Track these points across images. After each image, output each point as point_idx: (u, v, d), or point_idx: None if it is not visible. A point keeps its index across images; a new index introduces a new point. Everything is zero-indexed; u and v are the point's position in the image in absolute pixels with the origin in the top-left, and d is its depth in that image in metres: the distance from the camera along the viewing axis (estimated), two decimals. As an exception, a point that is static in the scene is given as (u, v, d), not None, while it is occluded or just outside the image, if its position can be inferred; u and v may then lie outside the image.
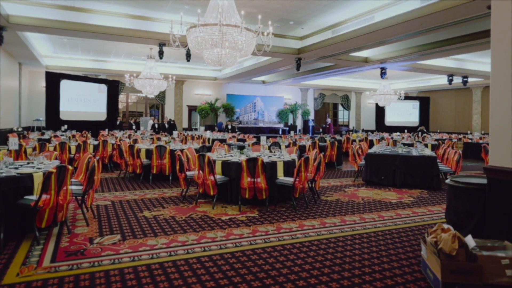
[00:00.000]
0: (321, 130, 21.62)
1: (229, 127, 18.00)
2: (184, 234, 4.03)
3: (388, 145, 11.45)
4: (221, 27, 6.52)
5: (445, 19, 8.95)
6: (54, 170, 3.52)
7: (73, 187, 4.33)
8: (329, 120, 20.78)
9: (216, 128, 19.08)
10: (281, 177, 5.45)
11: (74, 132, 13.68)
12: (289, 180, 5.23)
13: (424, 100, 24.23)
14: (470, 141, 14.95)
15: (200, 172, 5.30)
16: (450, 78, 18.13)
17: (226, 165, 5.47)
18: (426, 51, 12.70)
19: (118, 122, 16.16)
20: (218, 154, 6.06)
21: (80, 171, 4.89)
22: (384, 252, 3.57)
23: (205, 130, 18.14)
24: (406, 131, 20.85)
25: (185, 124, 21.15)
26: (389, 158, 7.36)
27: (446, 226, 2.95)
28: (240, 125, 20.49)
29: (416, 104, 24.20)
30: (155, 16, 10.83)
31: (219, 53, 7.16)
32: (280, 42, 12.86)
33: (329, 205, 5.56)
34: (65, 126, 14.41)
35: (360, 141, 14.31)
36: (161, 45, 11.44)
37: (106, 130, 12.88)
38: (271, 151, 6.68)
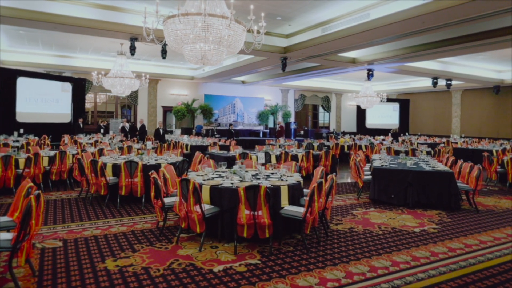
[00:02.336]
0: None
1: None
2: (163, 305, 2.81)
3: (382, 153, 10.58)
4: (205, 17, 5.36)
5: (451, 17, 8.14)
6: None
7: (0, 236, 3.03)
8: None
9: (194, 131, 17.75)
10: (285, 206, 4.29)
11: (31, 136, 11.99)
12: (297, 211, 4.09)
13: (404, 103, 24.04)
14: (457, 146, 14.42)
15: (183, 201, 4.08)
16: (435, 81, 17.68)
17: (216, 191, 4.25)
18: (415, 53, 12.05)
19: (81, 125, 14.42)
20: (204, 176, 4.85)
21: (17, 206, 3.54)
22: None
23: (182, 133, 16.78)
24: (390, 134, 20.36)
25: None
26: (400, 174, 6.39)
27: None
28: (218, 128, 19.21)
29: (396, 106, 23.94)
30: (126, 6, 9.45)
31: (202, 49, 5.99)
32: (264, 40, 11.73)
33: (344, 239, 4.49)
34: (21, 130, 12.70)
35: (349, 147, 13.47)
36: (133, 39, 10.09)
37: (66, 138, 11.22)
38: (266, 168, 5.56)
